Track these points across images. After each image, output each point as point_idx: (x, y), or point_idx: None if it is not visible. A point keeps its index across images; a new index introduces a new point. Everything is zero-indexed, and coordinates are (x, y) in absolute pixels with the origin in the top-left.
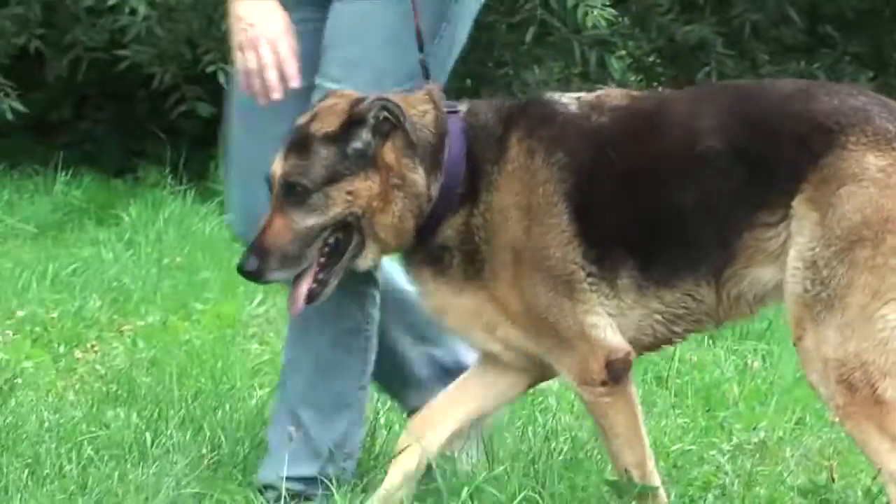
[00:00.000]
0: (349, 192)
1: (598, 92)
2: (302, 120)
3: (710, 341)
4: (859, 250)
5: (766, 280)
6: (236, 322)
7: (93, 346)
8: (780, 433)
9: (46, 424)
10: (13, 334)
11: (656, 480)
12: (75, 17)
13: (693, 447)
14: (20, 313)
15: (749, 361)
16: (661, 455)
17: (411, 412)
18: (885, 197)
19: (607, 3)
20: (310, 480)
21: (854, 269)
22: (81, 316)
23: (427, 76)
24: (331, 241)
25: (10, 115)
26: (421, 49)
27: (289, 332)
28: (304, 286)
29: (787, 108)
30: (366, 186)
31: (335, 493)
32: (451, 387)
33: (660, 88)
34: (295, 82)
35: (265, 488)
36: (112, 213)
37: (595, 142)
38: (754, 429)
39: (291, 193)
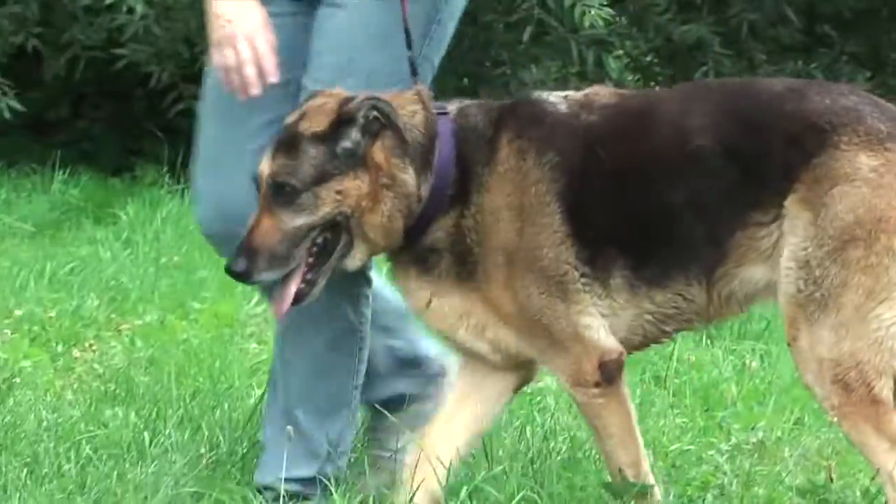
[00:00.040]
0: (338, 192)
1: (587, 91)
2: (290, 119)
3: (709, 341)
4: (852, 250)
5: (757, 279)
6: (234, 321)
7: (91, 346)
8: (779, 433)
9: (45, 423)
10: (11, 333)
11: (651, 480)
12: (73, 16)
13: (691, 447)
14: (18, 312)
15: (747, 361)
16: (659, 455)
17: (366, 404)
18: (878, 197)
19: (604, 3)
20: (308, 481)
21: (847, 268)
22: (79, 315)
23: (415, 77)
24: (319, 241)
25: (7, 114)
26: (410, 50)
27: (281, 334)
28: (293, 286)
29: (778, 107)
30: (355, 186)
31: (334, 493)
32: (448, 398)
33: (657, 88)
34: (273, 78)
35: (263, 489)
36: (110, 212)
37: (585, 141)
38: (753, 429)
39: (280, 193)
